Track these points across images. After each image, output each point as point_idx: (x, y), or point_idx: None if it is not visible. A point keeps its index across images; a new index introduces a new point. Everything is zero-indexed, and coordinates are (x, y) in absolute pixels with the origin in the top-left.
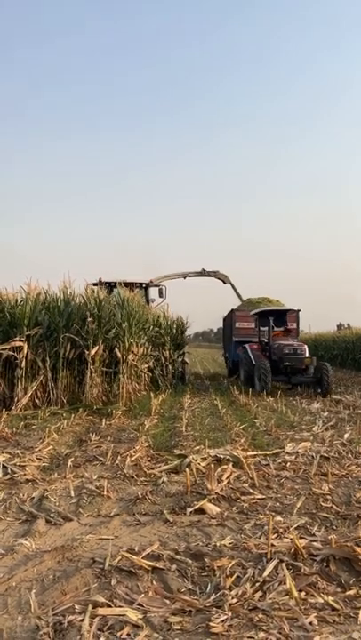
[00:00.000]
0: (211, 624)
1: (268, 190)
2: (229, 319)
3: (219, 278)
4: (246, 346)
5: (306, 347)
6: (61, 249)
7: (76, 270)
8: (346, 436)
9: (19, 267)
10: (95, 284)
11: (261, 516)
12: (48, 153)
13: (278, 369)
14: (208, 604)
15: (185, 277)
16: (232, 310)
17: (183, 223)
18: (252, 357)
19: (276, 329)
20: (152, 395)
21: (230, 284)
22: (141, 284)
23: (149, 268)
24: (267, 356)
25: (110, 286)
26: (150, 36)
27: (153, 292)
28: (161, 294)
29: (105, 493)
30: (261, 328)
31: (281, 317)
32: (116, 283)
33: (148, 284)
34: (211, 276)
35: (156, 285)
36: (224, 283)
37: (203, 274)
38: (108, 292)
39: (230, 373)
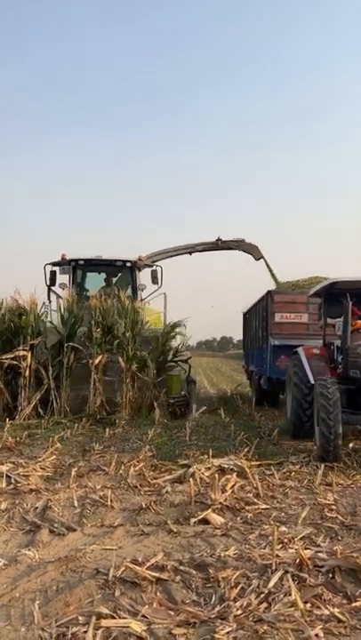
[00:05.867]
0: (215, 636)
1: (267, 192)
2: (261, 309)
3: (245, 251)
4: (299, 349)
5: None
6: (61, 248)
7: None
8: (350, 445)
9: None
10: (56, 264)
11: (266, 527)
12: (47, 153)
13: None
14: (213, 616)
15: (191, 253)
16: (268, 293)
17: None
18: (309, 373)
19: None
20: (155, 403)
21: (263, 258)
22: (125, 262)
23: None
24: (340, 372)
25: (79, 266)
26: (151, 41)
27: (143, 275)
28: (155, 279)
29: (109, 503)
30: (329, 320)
31: None
32: (85, 260)
33: (135, 262)
34: (232, 248)
35: (148, 266)
36: (256, 258)
37: (218, 246)
38: (73, 275)
39: (261, 398)
